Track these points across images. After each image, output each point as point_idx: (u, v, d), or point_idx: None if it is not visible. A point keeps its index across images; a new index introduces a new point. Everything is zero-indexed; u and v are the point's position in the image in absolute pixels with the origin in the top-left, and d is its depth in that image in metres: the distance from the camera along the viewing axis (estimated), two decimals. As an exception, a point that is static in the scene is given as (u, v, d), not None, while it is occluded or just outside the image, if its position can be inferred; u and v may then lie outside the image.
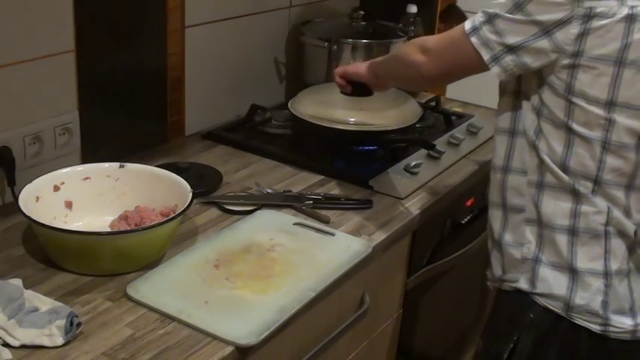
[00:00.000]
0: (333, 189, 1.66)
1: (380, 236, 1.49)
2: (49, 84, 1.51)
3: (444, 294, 1.94)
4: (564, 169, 1.29)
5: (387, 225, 1.53)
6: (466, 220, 1.92)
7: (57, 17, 1.49)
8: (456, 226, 1.87)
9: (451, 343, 2.19)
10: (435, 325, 1.98)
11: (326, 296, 1.33)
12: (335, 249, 1.41)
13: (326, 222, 1.51)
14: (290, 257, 1.36)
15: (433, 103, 2.15)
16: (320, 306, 1.32)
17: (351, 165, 1.77)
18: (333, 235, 1.46)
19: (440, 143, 1.88)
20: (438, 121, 2.08)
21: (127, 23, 1.66)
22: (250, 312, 1.20)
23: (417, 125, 1.90)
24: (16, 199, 1.30)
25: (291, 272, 1.32)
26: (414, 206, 1.62)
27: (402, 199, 1.63)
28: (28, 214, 1.24)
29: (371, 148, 1.83)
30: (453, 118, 2.10)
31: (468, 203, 1.90)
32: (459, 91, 2.23)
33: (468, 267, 1.96)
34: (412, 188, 1.67)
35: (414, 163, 1.73)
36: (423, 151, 1.83)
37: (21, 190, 1.32)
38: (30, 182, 1.34)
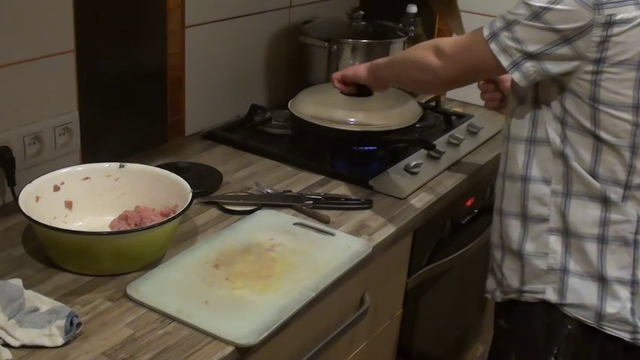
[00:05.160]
0: (333, 189, 1.66)
1: (380, 236, 1.49)
2: (49, 84, 1.51)
3: (444, 294, 1.94)
4: (594, 176, 1.29)
5: (387, 225, 1.53)
6: (466, 220, 1.92)
7: (57, 17, 1.49)
8: (456, 226, 1.87)
9: (451, 343, 2.19)
10: (435, 325, 1.98)
11: (326, 296, 1.33)
12: (335, 249, 1.41)
13: (326, 222, 1.51)
14: (290, 257, 1.36)
15: (433, 103, 2.15)
16: (320, 306, 1.32)
17: (351, 165, 1.77)
18: (333, 235, 1.45)
19: (440, 143, 1.88)
20: (438, 121, 2.08)
21: (127, 23, 1.66)
22: (250, 312, 1.20)
23: (417, 125, 1.90)
24: (16, 199, 1.30)
25: (291, 272, 1.32)
26: (414, 206, 1.62)
27: (402, 199, 1.63)
28: (28, 214, 1.24)
29: (371, 148, 1.83)
30: (453, 118, 2.10)
31: (468, 203, 1.90)
32: (459, 91, 2.22)
33: (468, 267, 1.96)
34: (412, 188, 1.67)
35: (414, 163, 1.73)
36: (423, 151, 1.83)
37: (21, 190, 1.32)
38: (30, 182, 1.34)
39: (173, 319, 1.18)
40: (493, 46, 1.29)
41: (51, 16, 1.48)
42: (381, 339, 1.68)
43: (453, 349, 2.22)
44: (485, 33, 1.30)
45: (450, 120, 2.08)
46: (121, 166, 1.44)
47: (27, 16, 1.43)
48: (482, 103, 2.28)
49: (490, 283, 1.48)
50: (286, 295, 1.26)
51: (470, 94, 2.27)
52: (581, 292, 1.32)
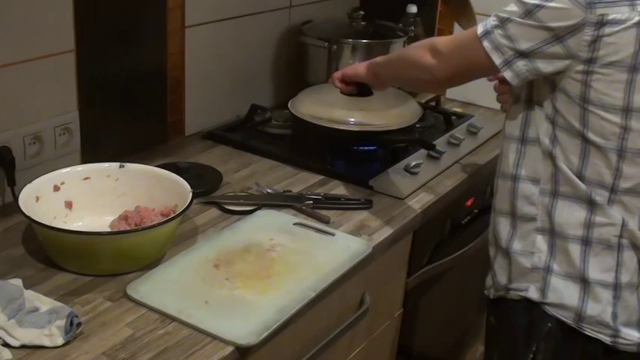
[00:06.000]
0: (333, 189, 1.66)
1: (380, 236, 1.49)
2: (49, 84, 1.51)
3: (444, 294, 1.94)
4: (581, 177, 1.29)
5: (387, 225, 1.53)
6: (466, 220, 1.92)
7: (57, 17, 1.49)
8: (456, 226, 1.87)
9: (451, 343, 2.19)
10: (435, 325, 1.98)
11: (326, 296, 1.33)
12: (335, 249, 1.41)
13: (326, 222, 1.51)
14: (290, 257, 1.36)
15: (433, 103, 2.15)
16: (320, 306, 1.32)
17: (351, 165, 1.77)
18: (333, 235, 1.45)
19: (440, 143, 1.88)
20: (438, 121, 2.08)
21: (127, 23, 1.66)
22: (250, 312, 1.20)
23: (417, 125, 1.90)
24: (16, 199, 1.30)
25: (291, 272, 1.32)
26: (414, 206, 1.62)
27: (402, 199, 1.63)
28: (28, 214, 1.24)
29: (371, 148, 1.83)
30: (453, 118, 2.10)
31: (468, 203, 1.90)
32: (459, 91, 2.23)
33: (468, 267, 1.96)
34: (412, 188, 1.67)
35: (414, 163, 1.73)
36: (423, 151, 1.83)
37: (21, 190, 1.32)
38: (30, 182, 1.34)
39: (173, 319, 1.18)
40: (486, 43, 1.29)
41: (51, 16, 1.48)
42: (381, 339, 1.68)
43: (453, 349, 2.22)
44: (479, 31, 1.31)
45: (450, 120, 2.08)
46: (121, 166, 1.44)
47: (27, 16, 1.43)
48: (482, 103, 2.29)
49: (488, 280, 1.49)
50: (286, 295, 1.26)
51: (470, 94, 2.28)
52: (562, 293, 1.32)
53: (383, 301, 1.63)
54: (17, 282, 1.19)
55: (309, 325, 1.33)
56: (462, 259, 1.87)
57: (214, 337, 1.14)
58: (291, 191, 1.62)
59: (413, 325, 1.82)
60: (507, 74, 1.29)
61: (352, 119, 1.77)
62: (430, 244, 1.77)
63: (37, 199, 1.33)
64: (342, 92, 1.75)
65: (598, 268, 1.30)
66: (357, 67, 1.68)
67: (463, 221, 1.91)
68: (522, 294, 1.36)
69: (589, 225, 1.29)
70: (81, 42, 1.55)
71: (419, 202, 1.64)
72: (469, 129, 2.01)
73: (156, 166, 1.49)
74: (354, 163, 1.79)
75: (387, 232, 1.51)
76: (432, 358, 2.08)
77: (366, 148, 1.83)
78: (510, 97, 1.39)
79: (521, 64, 1.27)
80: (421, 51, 1.43)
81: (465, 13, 1.87)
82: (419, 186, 1.70)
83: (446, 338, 2.14)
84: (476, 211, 1.95)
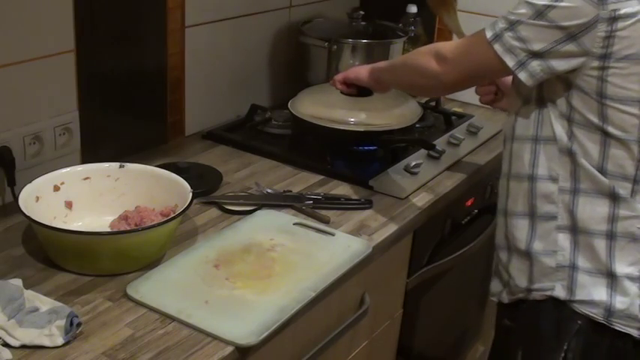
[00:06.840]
0: (333, 189, 1.66)
1: (380, 236, 1.49)
2: (49, 84, 1.51)
3: (444, 294, 1.94)
4: (602, 172, 1.29)
5: (387, 225, 1.53)
6: (466, 220, 1.92)
7: (57, 17, 1.49)
8: (456, 226, 1.87)
9: (451, 343, 2.19)
10: (435, 325, 1.98)
11: (326, 296, 1.33)
12: (335, 249, 1.41)
13: (326, 222, 1.51)
14: (290, 257, 1.36)
15: (433, 103, 2.15)
16: (320, 306, 1.32)
17: (351, 165, 1.77)
18: (333, 235, 1.45)
19: (440, 143, 1.88)
20: (438, 121, 2.08)
21: (127, 23, 1.66)
22: (250, 312, 1.20)
23: (417, 125, 1.90)
24: (16, 199, 1.30)
25: (291, 272, 1.32)
26: (414, 206, 1.62)
27: (402, 199, 1.63)
28: (28, 214, 1.24)
29: (371, 148, 1.83)
30: (453, 118, 2.10)
31: (468, 203, 1.90)
32: (459, 91, 2.23)
33: (468, 267, 1.96)
34: (412, 188, 1.67)
35: (414, 163, 1.73)
36: (423, 151, 1.83)
37: (21, 190, 1.32)
38: (30, 182, 1.34)
39: (173, 319, 1.18)
40: (497, 46, 1.29)
41: (51, 16, 1.48)
42: (381, 339, 1.68)
43: (453, 349, 2.22)
44: (489, 35, 1.30)
45: (450, 120, 2.08)
46: (121, 166, 1.44)
47: (27, 16, 1.43)
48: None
49: (495, 286, 1.47)
50: (286, 295, 1.26)
51: (470, 94, 2.27)
52: (590, 289, 1.32)
53: (383, 301, 1.63)
54: (17, 282, 1.19)
55: (309, 325, 1.33)
56: (461, 259, 1.87)
57: (214, 337, 1.14)
58: (291, 191, 1.62)
59: (413, 325, 1.82)
60: (522, 75, 1.29)
61: (352, 119, 1.77)
62: (430, 244, 1.77)
63: (37, 199, 1.33)
64: (342, 92, 1.75)
65: (625, 262, 1.30)
66: (359, 72, 1.68)
67: (463, 221, 1.91)
68: (548, 293, 1.36)
69: (613, 219, 1.30)
70: (81, 42, 1.55)
71: (419, 202, 1.64)
72: (469, 129, 2.01)
73: (156, 166, 1.49)
74: (354, 163, 1.79)
75: (387, 232, 1.51)
76: (432, 358, 2.08)
77: (366, 148, 1.83)
78: (517, 97, 1.39)
79: (535, 65, 1.27)
80: (426, 58, 1.43)
81: (445, 5, 1.86)
82: (419, 186, 1.69)
83: (446, 338, 2.14)
84: (476, 211, 1.95)
